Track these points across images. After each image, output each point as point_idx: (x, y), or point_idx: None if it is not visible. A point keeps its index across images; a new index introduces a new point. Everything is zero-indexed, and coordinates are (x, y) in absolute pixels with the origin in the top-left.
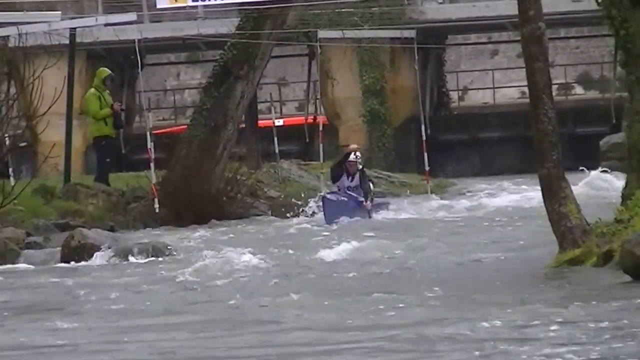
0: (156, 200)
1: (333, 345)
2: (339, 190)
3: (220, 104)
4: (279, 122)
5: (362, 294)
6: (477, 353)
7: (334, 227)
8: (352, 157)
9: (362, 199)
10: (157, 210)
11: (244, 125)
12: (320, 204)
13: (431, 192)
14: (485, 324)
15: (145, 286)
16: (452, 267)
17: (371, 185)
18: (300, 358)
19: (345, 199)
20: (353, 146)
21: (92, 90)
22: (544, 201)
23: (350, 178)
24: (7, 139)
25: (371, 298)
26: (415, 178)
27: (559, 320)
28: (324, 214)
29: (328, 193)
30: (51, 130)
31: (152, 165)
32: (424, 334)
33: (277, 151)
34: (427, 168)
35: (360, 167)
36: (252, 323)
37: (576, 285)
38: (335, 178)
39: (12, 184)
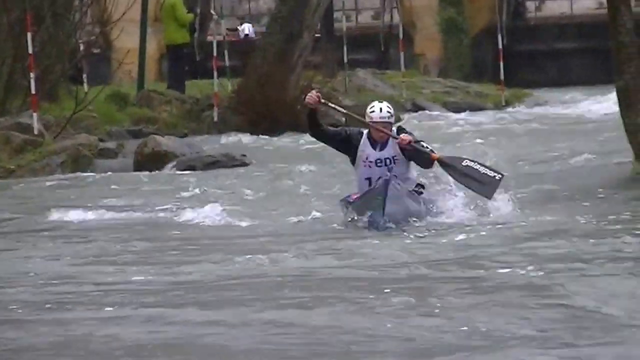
0: (215, 109)
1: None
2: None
3: (296, 11)
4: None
5: None
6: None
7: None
8: (375, 113)
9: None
10: (215, 119)
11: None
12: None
13: (506, 102)
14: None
15: (213, 196)
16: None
17: (423, 143)
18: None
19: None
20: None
21: None
22: (620, 112)
23: (378, 146)
24: (81, 44)
25: None
26: (491, 88)
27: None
28: (383, 206)
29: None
30: (125, 36)
31: (215, 73)
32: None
33: (345, 60)
34: (502, 78)
35: (399, 124)
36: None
37: None
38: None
39: (86, 90)
